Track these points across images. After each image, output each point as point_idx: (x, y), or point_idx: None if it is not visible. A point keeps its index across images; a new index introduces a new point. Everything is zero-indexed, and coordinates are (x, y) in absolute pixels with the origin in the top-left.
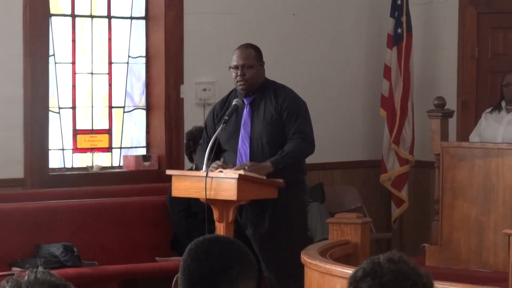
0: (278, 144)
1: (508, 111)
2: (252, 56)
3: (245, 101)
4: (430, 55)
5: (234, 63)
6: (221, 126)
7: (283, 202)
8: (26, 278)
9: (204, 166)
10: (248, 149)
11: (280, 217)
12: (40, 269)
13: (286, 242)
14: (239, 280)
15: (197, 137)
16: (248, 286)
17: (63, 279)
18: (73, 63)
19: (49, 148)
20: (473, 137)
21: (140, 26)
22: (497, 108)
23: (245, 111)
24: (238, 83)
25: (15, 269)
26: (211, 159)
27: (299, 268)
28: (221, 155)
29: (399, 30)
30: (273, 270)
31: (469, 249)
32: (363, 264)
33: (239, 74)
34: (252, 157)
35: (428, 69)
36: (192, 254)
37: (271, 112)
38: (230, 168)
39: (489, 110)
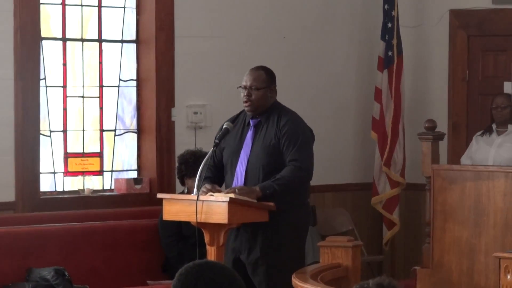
0: (273, 169)
1: (499, 133)
2: (261, 78)
3: (251, 123)
4: (420, 78)
5: (243, 83)
6: (211, 150)
7: (276, 227)
8: None
9: (195, 190)
10: (244, 171)
11: (272, 242)
12: None
13: (278, 267)
14: None
15: (189, 161)
16: None
17: None
18: (64, 86)
19: (40, 171)
20: (464, 160)
21: (131, 50)
22: (488, 131)
23: (249, 133)
24: (244, 104)
25: None
26: (202, 182)
27: None
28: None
29: (390, 53)
30: None
31: (460, 272)
32: None
33: (245, 94)
34: (246, 180)
35: (418, 92)
36: (182, 279)
37: (271, 136)
38: (220, 191)
39: (480, 133)
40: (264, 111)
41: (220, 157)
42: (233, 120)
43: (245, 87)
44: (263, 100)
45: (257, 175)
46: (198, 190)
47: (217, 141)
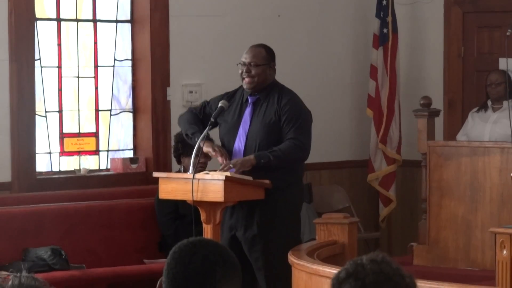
0: (272, 146)
1: (494, 110)
2: (261, 55)
3: (249, 100)
4: (416, 55)
5: (242, 59)
6: (207, 128)
7: (272, 204)
8: (10, 283)
9: (191, 168)
10: (243, 148)
11: (269, 219)
12: (24, 273)
13: (275, 244)
14: (223, 283)
15: (185, 139)
16: None
17: (47, 283)
18: (59, 67)
19: (36, 151)
20: (460, 136)
21: (125, 29)
22: (484, 107)
23: (247, 110)
24: (243, 81)
25: (2, 273)
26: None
27: (288, 270)
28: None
29: (385, 30)
30: (262, 272)
31: (456, 248)
32: (346, 265)
33: (244, 71)
34: (245, 156)
35: (414, 69)
36: (176, 257)
37: (271, 114)
38: (224, 156)
39: (475, 109)
40: (263, 89)
41: (208, 115)
42: (231, 96)
43: (244, 64)
44: (263, 77)
45: (255, 151)
46: (194, 168)
47: (212, 119)
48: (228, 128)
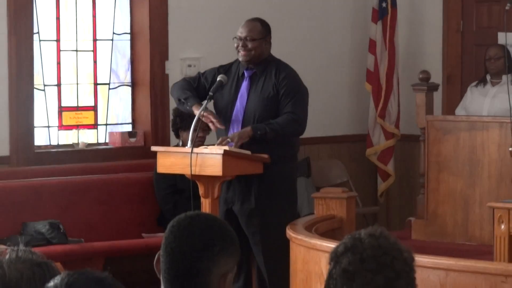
0: (269, 120)
1: (493, 84)
2: (257, 29)
3: (246, 74)
4: (415, 29)
5: (238, 33)
6: (205, 102)
7: (270, 178)
8: (7, 256)
9: (189, 142)
10: (241, 122)
11: (266, 193)
12: (22, 247)
13: (272, 218)
14: (220, 257)
15: (184, 114)
16: (229, 262)
17: (44, 256)
18: (58, 40)
19: (35, 125)
20: (459, 111)
21: (124, 3)
22: (483, 81)
23: (244, 84)
24: (239, 54)
25: (0, 247)
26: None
27: (286, 245)
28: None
29: (384, 4)
30: (258, 246)
31: (455, 223)
32: (344, 239)
33: (241, 45)
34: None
35: (413, 43)
36: (174, 231)
37: (268, 88)
38: (219, 122)
39: (474, 83)
40: (259, 63)
41: (203, 86)
42: (226, 69)
43: (240, 38)
44: (259, 51)
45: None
46: (192, 142)
47: (211, 93)
48: (225, 103)
